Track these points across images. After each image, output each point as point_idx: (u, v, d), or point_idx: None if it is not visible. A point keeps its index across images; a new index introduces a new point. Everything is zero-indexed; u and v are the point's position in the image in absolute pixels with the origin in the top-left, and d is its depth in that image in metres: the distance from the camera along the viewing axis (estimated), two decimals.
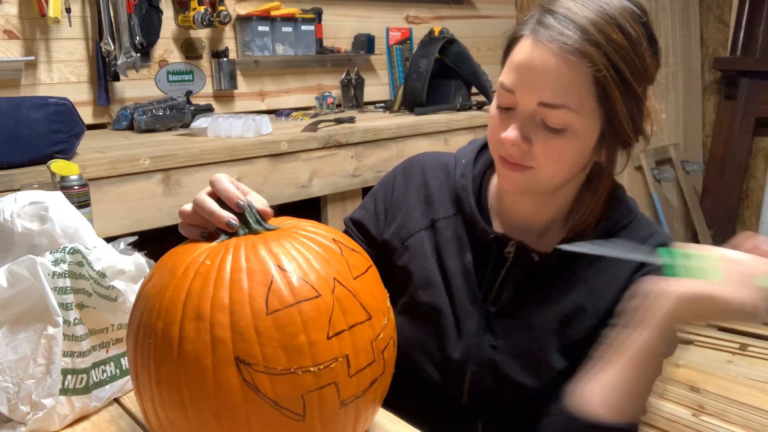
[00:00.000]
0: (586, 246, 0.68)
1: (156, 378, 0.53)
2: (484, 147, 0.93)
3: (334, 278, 0.56)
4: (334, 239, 0.60)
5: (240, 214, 0.60)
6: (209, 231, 0.62)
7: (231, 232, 0.60)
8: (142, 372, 0.54)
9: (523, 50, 0.74)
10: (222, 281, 0.53)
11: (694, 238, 3.14)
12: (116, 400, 0.74)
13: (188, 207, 0.62)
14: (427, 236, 0.88)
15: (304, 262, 0.55)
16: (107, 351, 0.72)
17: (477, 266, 0.85)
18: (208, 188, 0.62)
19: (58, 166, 0.97)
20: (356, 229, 0.96)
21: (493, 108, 0.79)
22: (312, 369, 0.52)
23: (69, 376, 0.68)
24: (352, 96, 2.30)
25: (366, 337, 0.56)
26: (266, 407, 0.51)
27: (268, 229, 0.61)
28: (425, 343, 0.87)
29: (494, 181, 0.90)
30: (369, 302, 0.58)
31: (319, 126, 1.78)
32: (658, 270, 0.80)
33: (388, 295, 0.63)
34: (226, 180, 0.61)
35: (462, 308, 0.84)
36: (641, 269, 0.82)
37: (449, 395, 0.87)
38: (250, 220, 0.60)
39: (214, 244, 0.59)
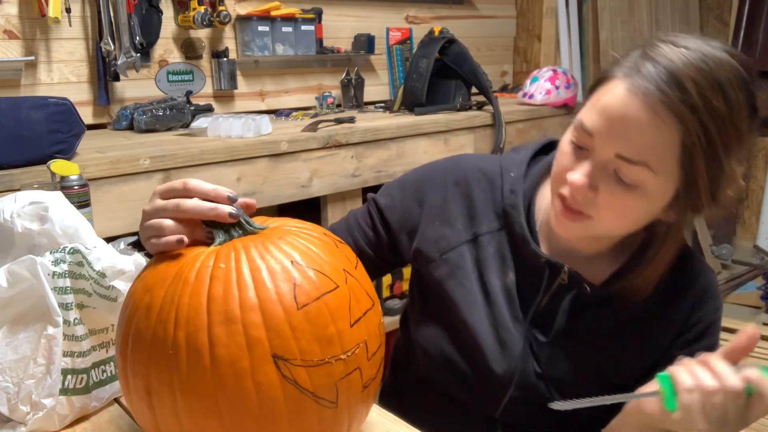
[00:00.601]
0: (583, 402, 0.68)
1: (182, 389, 0.52)
2: (534, 156, 0.88)
3: (344, 269, 0.58)
4: (324, 233, 0.63)
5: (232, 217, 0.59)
6: (208, 235, 0.60)
7: (227, 231, 0.59)
8: (159, 386, 0.53)
9: (613, 95, 0.68)
10: (244, 283, 0.53)
11: (695, 238, 3.14)
12: (116, 400, 0.74)
13: (166, 223, 0.58)
14: (468, 251, 0.84)
15: (316, 257, 0.57)
16: (107, 351, 0.72)
17: (519, 286, 0.82)
18: (157, 201, 0.59)
19: (58, 166, 0.97)
20: (378, 213, 0.93)
21: (565, 142, 0.74)
22: (342, 357, 0.55)
23: (69, 376, 0.68)
24: (352, 96, 2.30)
25: (375, 321, 0.59)
26: (305, 400, 0.53)
27: (260, 229, 0.61)
28: (460, 360, 0.84)
29: (545, 199, 0.85)
30: (369, 290, 0.61)
31: (319, 126, 1.78)
32: (711, 305, 0.81)
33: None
34: (204, 182, 0.60)
35: (504, 327, 0.81)
36: (695, 312, 0.80)
37: (481, 409, 0.86)
38: (243, 221, 0.60)
39: (213, 247, 0.58)
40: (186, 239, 0.58)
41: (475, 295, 0.82)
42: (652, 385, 0.66)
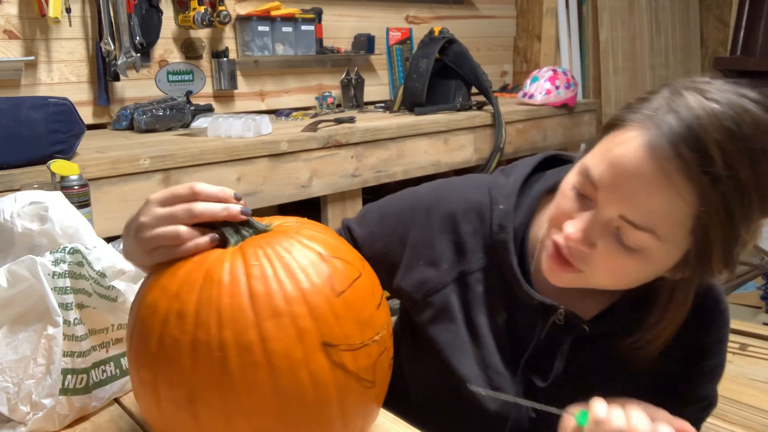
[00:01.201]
0: (506, 396, 0.71)
1: (235, 388, 0.51)
2: (525, 182, 0.79)
3: (359, 257, 0.62)
4: (326, 228, 0.65)
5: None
6: (216, 236, 0.59)
7: (238, 231, 0.59)
8: (206, 391, 0.52)
9: (626, 148, 0.60)
10: (280, 278, 0.54)
11: None
12: (116, 400, 0.74)
13: (182, 229, 0.56)
14: (454, 291, 0.78)
15: (337, 247, 0.60)
16: (107, 351, 0.72)
17: (511, 326, 0.77)
18: (158, 210, 0.57)
19: (58, 166, 0.97)
20: (352, 242, 0.86)
21: (567, 185, 0.67)
22: (376, 338, 0.57)
23: (69, 376, 0.68)
24: (352, 96, 2.30)
25: (386, 305, 0.63)
26: (351, 383, 0.55)
27: (269, 228, 0.61)
28: (454, 402, 0.80)
29: (541, 229, 0.77)
30: (376, 278, 0.64)
31: (319, 126, 1.78)
32: (720, 320, 0.77)
33: None
34: (208, 184, 0.58)
35: (495, 371, 0.76)
36: (703, 330, 0.76)
37: None
38: (251, 220, 0.60)
39: (231, 248, 0.57)
40: (217, 236, 0.58)
41: (462, 339, 0.77)
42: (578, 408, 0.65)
